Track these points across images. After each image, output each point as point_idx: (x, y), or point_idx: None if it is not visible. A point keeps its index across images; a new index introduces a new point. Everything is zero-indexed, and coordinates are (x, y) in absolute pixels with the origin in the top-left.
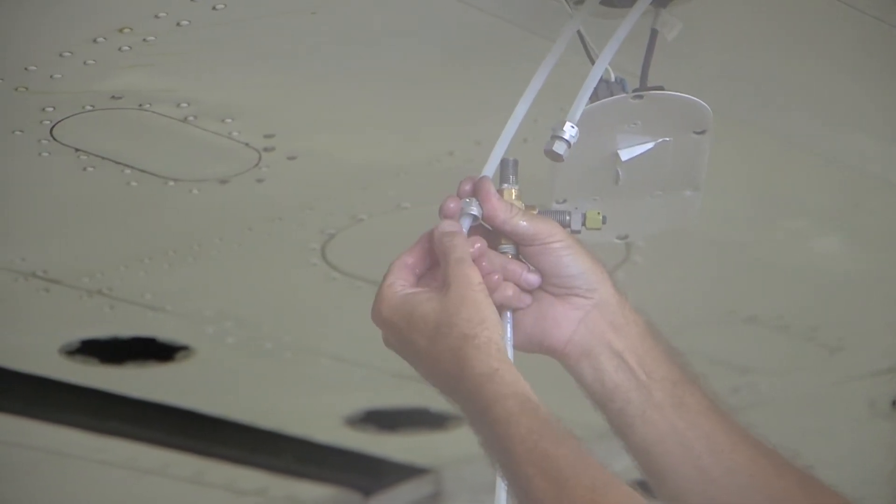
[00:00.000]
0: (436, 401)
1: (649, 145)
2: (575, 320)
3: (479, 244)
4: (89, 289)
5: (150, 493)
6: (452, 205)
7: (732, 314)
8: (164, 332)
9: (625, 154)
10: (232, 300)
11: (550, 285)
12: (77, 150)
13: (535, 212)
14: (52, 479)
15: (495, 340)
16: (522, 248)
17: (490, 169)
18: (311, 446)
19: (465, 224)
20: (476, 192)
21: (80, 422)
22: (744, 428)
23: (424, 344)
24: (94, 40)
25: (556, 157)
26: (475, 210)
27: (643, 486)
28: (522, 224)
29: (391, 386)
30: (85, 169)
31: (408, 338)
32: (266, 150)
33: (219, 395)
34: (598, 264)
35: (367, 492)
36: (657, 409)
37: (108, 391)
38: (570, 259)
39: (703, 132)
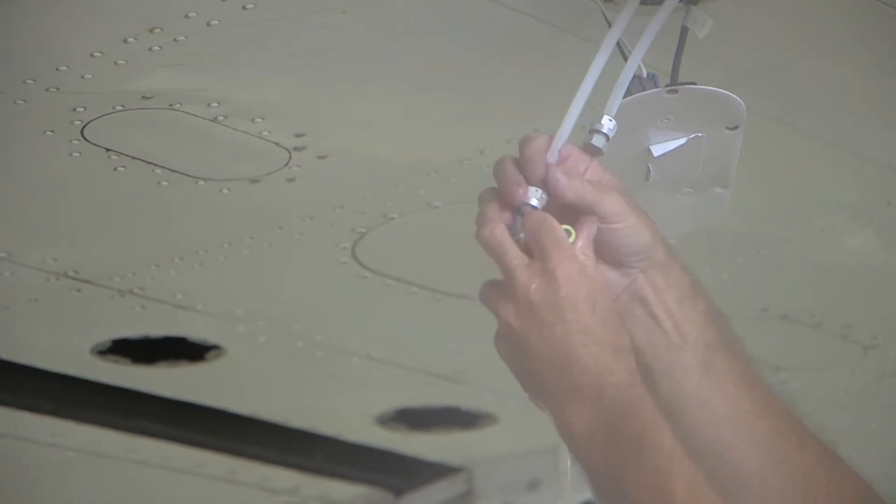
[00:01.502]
0: (467, 399)
1: (682, 141)
2: (622, 286)
3: None
4: (120, 288)
5: (183, 492)
6: (522, 190)
7: (765, 312)
8: (195, 331)
9: (657, 150)
10: (263, 299)
11: (607, 254)
12: (108, 150)
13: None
14: (84, 479)
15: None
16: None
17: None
18: (342, 445)
19: (535, 203)
20: (549, 181)
21: (112, 421)
22: (773, 397)
23: (591, 324)
24: (125, 40)
25: (596, 152)
26: (536, 202)
27: None
28: (593, 203)
29: (422, 385)
30: (116, 169)
31: (575, 306)
32: (296, 149)
33: (250, 394)
34: (656, 233)
35: (399, 491)
36: (684, 372)
37: (139, 391)
38: (630, 238)
39: (735, 128)
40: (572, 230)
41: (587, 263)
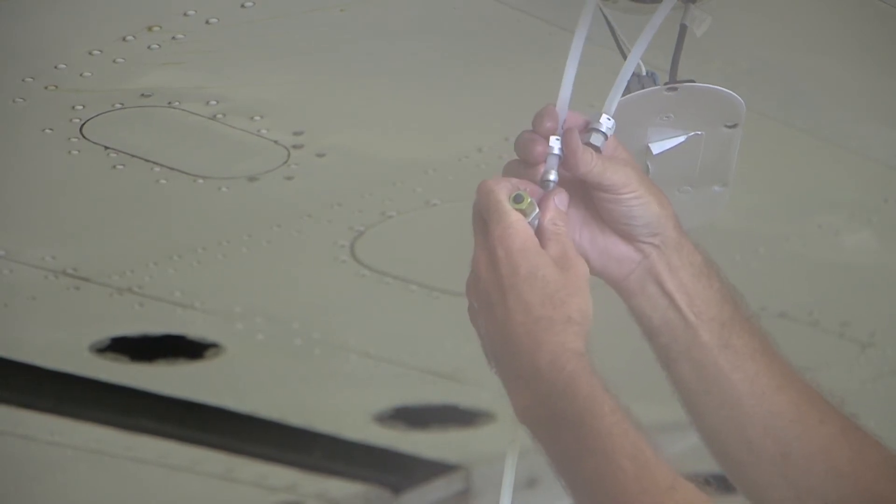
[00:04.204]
0: (465, 397)
1: (681, 139)
2: (635, 261)
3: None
4: (119, 286)
5: (181, 489)
6: (540, 148)
7: (762, 310)
8: (193, 329)
9: (656, 148)
10: (261, 297)
11: (619, 227)
12: (106, 148)
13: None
14: (82, 477)
15: (586, 337)
16: (594, 192)
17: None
18: (340, 443)
19: (553, 176)
20: (564, 143)
21: (111, 419)
22: (792, 373)
23: (529, 301)
24: (124, 38)
25: (594, 150)
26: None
27: (718, 480)
28: (600, 174)
29: (420, 383)
30: (114, 167)
31: (514, 285)
32: (295, 147)
33: (248, 392)
34: (666, 207)
35: (397, 489)
36: (702, 349)
37: (138, 388)
38: (640, 209)
39: (734, 126)
40: (525, 196)
41: (557, 232)
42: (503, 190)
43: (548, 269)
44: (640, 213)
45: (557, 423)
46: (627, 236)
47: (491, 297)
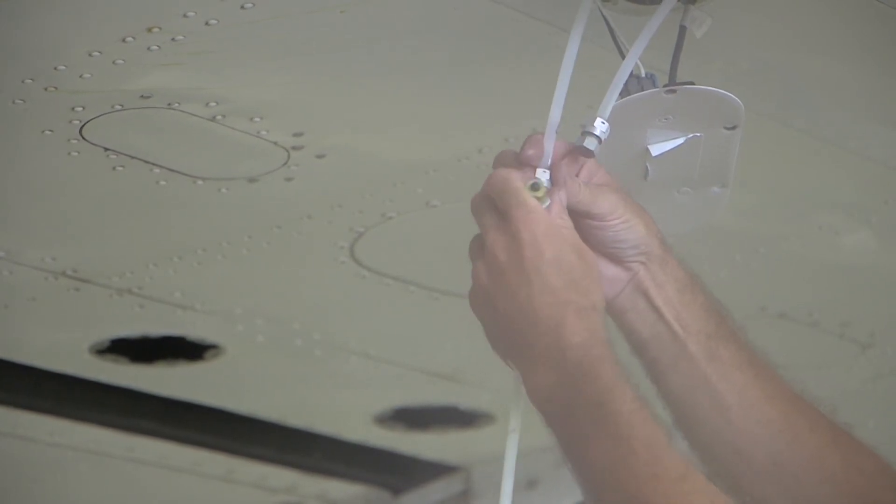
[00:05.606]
0: (465, 398)
1: (680, 141)
2: (624, 280)
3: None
4: (119, 288)
5: (181, 491)
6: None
7: (763, 310)
8: (193, 330)
9: (655, 149)
10: (261, 298)
11: (606, 250)
12: (106, 149)
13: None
14: (83, 478)
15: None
16: (581, 220)
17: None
18: (340, 444)
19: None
20: (553, 176)
21: (110, 420)
22: (781, 383)
23: (554, 284)
24: (123, 40)
25: (588, 154)
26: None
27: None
28: (588, 203)
29: (421, 384)
30: (114, 168)
31: (539, 267)
32: (295, 148)
33: (248, 393)
34: (651, 227)
35: (397, 490)
36: (690, 362)
37: (138, 390)
38: (626, 233)
39: (734, 127)
40: (542, 184)
41: (562, 226)
42: (519, 178)
43: (572, 256)
44: (627, 237)
45: (576, 403)
46: (615, 258)
47: (511, 279)
